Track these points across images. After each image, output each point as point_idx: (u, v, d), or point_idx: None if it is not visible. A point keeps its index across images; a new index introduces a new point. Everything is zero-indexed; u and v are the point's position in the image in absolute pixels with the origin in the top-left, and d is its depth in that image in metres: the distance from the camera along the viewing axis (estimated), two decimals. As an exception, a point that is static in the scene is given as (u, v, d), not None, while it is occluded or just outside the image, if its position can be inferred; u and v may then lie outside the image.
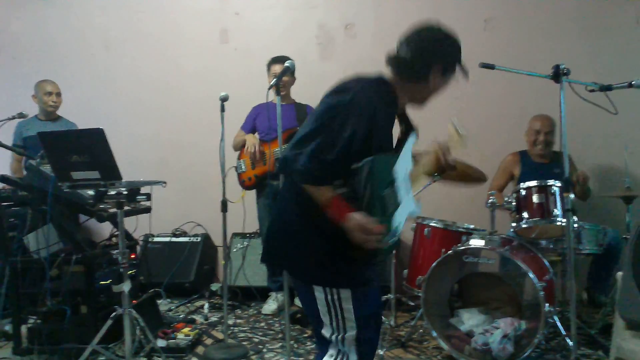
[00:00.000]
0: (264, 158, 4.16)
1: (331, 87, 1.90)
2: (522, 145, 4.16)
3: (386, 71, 1.96)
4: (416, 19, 2.05)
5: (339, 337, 1.89)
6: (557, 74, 2.73)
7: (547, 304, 2.95)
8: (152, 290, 3.92)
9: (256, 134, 4.30)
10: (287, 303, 3.07)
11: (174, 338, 3.43)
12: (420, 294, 3.28)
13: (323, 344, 1.97)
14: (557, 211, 3.29)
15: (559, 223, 3.26)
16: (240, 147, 4.30)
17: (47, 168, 3.16)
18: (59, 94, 4.61)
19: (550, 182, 3.34)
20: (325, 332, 1.92)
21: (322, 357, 1.95)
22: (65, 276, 3.26)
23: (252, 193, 4.34)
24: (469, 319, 3.27)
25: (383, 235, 1.74)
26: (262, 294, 4.45)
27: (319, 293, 1.87)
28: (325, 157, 1.73)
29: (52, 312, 3.25)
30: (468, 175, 3.45)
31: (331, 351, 1.93)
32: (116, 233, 3.45)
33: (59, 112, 4.71)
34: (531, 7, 4.46)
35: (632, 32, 4.25)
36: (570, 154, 3.91)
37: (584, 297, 3.89)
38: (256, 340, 3.64)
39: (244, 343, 3.57)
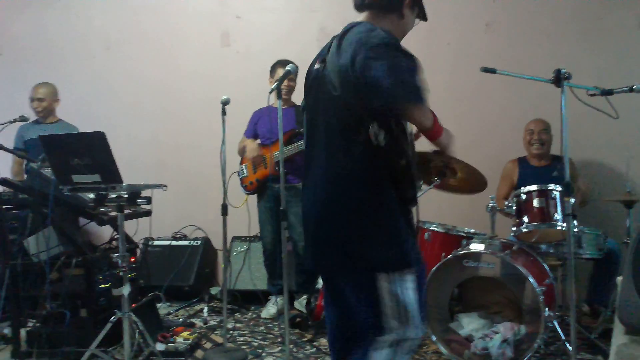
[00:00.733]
0: (264, 161, 4.16)
1: (353, 33, 1.85)
2: (522, 149, 4.16)
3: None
4: (417, 23, 2.06)
5: (400, 331, 1.84)
6: (558, 78, 2.73)
7: (547, 309, 2.95)
8: (152, 293, 3.92)
9: (258, 140, 4.31)
10: (286, 307, 3.07)
11: (173, 342, 3.42)
12: (420, 298, 3.27)
13: (363, 342, 1.89)
14: (558, 215, 3.28)
15: (559, 227, 3.25)
16: (243, 152, 4.32)
17: (48, 171, 3.16)
18: (40, 100, 4.58)
19: (551, 186, 3.34)
20: (385, 327, 1.84)
21: (367, 353, 1.87)
22: (65, 279, 3.26)
23: (254, 196, 4.35)
24: (469, 324, 3.26)
25: None
26: (262, 298, 4.45)
27: (383, 282, 1.82)
28: (419, 75, 1.77)
29: (52, 315, 3.25)
30: (467, 185, 3.45)
31: (386, 351, 1.85)
32: (116, 236, 3.45)
33: (59, 115, 4.70)
34: (532, 11, 4.46)
35: (633, 35, 4.25)
36: (572, 158, 3.92)
37: (584, 309, 3.85)
38: (255, 344, 3.64)
39: (243, 347, 3.56)
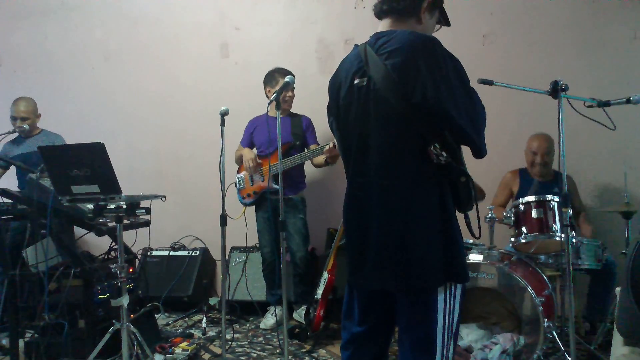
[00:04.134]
0: (262, 174, 4.17)
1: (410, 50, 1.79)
2: (519, 161, 4.15)
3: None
4: (437, 29, 2.06)
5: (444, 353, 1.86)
6: (555, 90, 2.75)
7: (546, 319, 2.95)
8: (150, 304, 3.91)
9: (254, 150, 4.32)
10: (285, 317, 3.06)
11: (172, 353, 3.41)
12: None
13: None
14: (556, 226, 3.29)
15: (557, 238, 3.26)
16: (240, 161, 4.33)
17: (47, 182, 3.17)
18: (24, 119, 4.48)
19: (549, 197, 3.34)
20: (436, 351, 1.84)
21: None
22: (63, 290, 3.25)
23: (252, 207, 4.35)
24: (468, 334, 3.25)
25: None
26: (260, 308, 4.44)
27: (440, 297, 1.83)
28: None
29: (50, 326, 3.24)
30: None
31: None
32: (115, 247, 3.45)
33: (43, 124, 4.66)
34: (529, 23, 4.48)
35: (629, 47, 4.27)
36: (572, 175, 3.91)
37: (586, 327, 3.78)
38: (254, 355, 3.63)
39: (242, 358, 3.56)
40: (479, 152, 1.87)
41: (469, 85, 1.85)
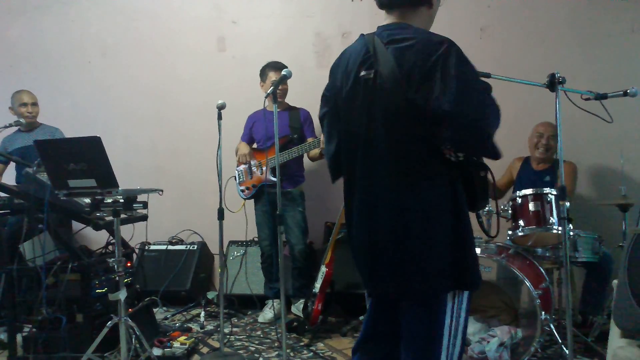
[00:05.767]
0: (260, 167, 4.17)
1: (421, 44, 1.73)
2: (516, 153, 4.14)
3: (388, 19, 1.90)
4: (442, 3, 2.02)
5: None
6: (553, 83, 2.73)
7: (543, 312, 2.95)
8: (148, 298, 3.91)
9: (254, 145, 4.32)
10: (283, 311, 3.07)
11: (170, 347, 3.41)
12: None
13: None
14: (553, 219, 3.29)
15: (555, 231, 3.26)
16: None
17: (43, 176, 3.16)
18: (34, 104, 4.59)
19: (546, 190, 3.34)
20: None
21: None
22: (61, 284, 3.25)
23: (250, 200, 4.35)
24: (466, 327, 3.26)
25: None
26: (259, 302, 4.44)
27: (448, 304, 1.78)
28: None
29: (48, 321, 3.23)
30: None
31: None
32: (112, 241, 3.44)
33: (40, 120, 4.69)
34: (527, 16, 4.47)
35: (627, 40, 4.27)
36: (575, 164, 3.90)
37: (578, 320, 3.74)
38: (252, 348, 3.63)
39: (240, 352, 3.56)
40: (485, 157, 1.83)
41: (482, 88, 1.76)
